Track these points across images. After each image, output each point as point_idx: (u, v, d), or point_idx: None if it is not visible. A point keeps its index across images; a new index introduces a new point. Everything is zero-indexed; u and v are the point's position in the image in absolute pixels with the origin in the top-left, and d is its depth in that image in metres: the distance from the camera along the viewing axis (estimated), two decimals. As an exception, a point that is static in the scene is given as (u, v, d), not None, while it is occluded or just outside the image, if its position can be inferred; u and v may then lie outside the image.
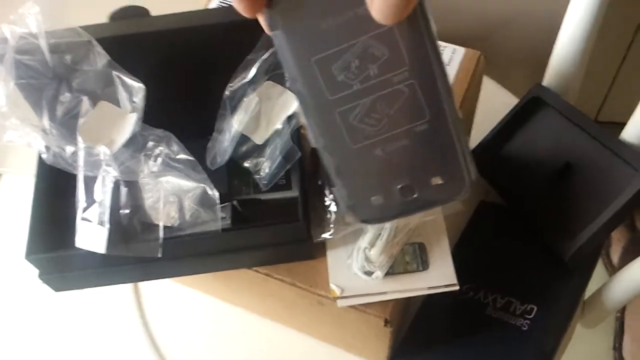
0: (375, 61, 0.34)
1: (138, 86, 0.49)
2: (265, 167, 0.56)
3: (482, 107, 0.78)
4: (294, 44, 0.34)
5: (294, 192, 0.58)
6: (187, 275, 0.58)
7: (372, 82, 0.35)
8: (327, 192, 0.56)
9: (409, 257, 0.55)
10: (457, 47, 0.68)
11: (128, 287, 0.76)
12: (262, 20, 0.34)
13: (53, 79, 0.48)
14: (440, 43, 0.67)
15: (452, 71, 0.67)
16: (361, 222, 0.39)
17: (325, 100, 0.35)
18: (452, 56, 0.67)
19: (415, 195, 0.37)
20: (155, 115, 0.51)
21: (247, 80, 0.52)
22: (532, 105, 0.74)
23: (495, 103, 0.85)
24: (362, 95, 0.35)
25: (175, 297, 0.75)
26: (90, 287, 0.57)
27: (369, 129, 0.36)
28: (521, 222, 0.70)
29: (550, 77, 0.77)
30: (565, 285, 0.66)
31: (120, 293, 0.76)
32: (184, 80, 0.54)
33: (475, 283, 0.65)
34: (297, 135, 0.57)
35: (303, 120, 0.37)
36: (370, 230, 0.54)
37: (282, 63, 0.35)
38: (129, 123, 0.50)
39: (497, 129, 0.75)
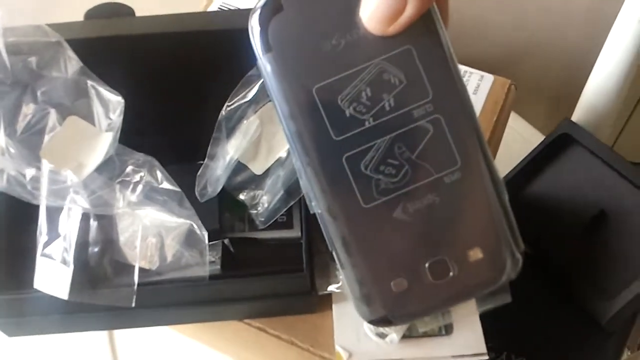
0: (392, 90, 0.29)
1: (116, 100, 0.41)
2: (264, 201, 0.49)
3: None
4: (291, 70, 0.29)
5: (295, 232, 0.50)
6: (165, 325, 0.50)
7: (388, 117, 0.29)
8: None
9: (429, 318, 0.47)
10: (484, 73, 0.61)
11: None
12: (253, 42, 0.29)
13: (13, 85, 0.41)
14: (466, 68, 0.60)
15: (479, 101, 0.59)
16: (380, 324, 0.31)
17: (329, 142, 0.29)
18: (480, 84, 0.60)
19: (450, 275, 0.30)
20: (136, 136, 0.43)
21: (247, 99, 0.45)
22: (560, 143, 0.67)
23: (516, 138, 0.78)
24: (376, 134, 0.29)
25: (153, 339, 0.66)
26: (50, 333, 0.49)
27: (386, 180, 0.30)
28: (548, 275, 0.62)
29: (581, 112, 0.71)
30: (601, 350, 0.58)
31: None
32: (172, 95, 0.47)
33: (496, 344, 0.57)
34: (303, 167, 0.49)
35: (299, 175, 0.31)
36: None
37: (273, 97, 0.30)
38: (104, 144, 0.42)
39: (521, 168, 0.69)
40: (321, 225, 0.31)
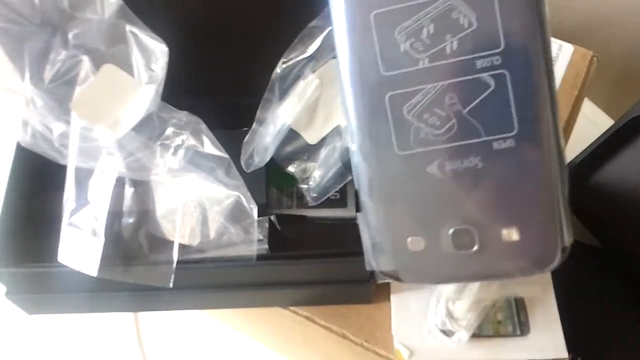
0: (458, 32, 0.26)
1: (160, 48, 0.36)
2: (317, 175, 0.44)
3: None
4: None
5: (349, 212, 0.45)
6: (203, 309, 0.45)
7: (446, 61, 0.27)
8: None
9: (502, 316, 0.42)
10: (563, 42, 0.54)
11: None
12: None
13: (41, 26, 0.35)
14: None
15: (557, 73, 0.53)
16: (388, 277, 0.29)
17: (375, 75, 0.28)
18: (558, 54, 0.54)
19: (473, 249, 0.27)
20: (180, 92, 0.38)
21: (306, 55, 0.39)
22: (632, 128, 0.61)
23: (580, 119, 0.72)
24: (428, 77, 0.27)
25: (181, 319, 0.61)
26: (75, 312, 0.45)
27: (427, 130, 0.28)
28: (622, 273, 0.56)
29: (659, 94, 0.63)
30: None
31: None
32: (222, 47, 0.42)
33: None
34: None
35: (340, 103, 0.30)
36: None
37: (332, 16, 0.28)
38: (144, 98, 0.36)
39: (589, 152, 0.62)
40: (351, 162, 0.29)
